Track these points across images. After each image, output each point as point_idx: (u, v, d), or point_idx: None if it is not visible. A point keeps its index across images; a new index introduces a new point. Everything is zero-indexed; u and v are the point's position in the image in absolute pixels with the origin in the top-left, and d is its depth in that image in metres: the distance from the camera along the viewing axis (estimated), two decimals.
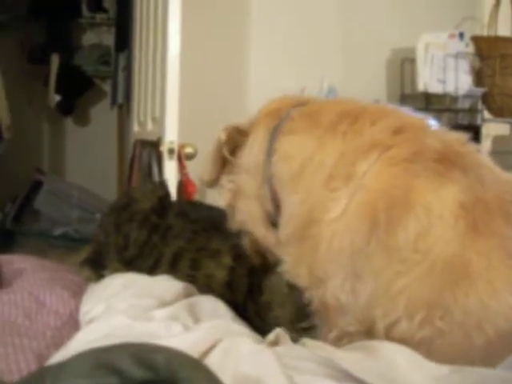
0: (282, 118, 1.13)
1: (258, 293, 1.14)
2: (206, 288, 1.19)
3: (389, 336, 0.93)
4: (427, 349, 0.90)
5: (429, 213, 0.92)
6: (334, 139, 1.04)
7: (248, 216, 1.16)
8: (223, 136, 1.20)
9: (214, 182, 1.24)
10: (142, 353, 0.61)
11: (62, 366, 0.61)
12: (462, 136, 1.03)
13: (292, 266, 1.05)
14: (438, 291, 0.90)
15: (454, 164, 0.96)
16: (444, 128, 1.08)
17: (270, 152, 1.10)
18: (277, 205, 1.09)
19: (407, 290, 0.91)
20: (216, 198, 1.30)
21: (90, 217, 3.91)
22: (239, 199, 1.18)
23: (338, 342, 0.98)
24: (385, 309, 0.92)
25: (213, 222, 1.28)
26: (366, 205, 0.95)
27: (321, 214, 0.99)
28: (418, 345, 0.90)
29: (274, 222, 1.11)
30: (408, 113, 1.17)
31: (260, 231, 1.15)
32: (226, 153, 1.19)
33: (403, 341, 0.91)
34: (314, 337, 1.03)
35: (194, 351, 0.81)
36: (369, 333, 0.95)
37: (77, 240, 3.77)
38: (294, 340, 1.01)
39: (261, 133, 1.15)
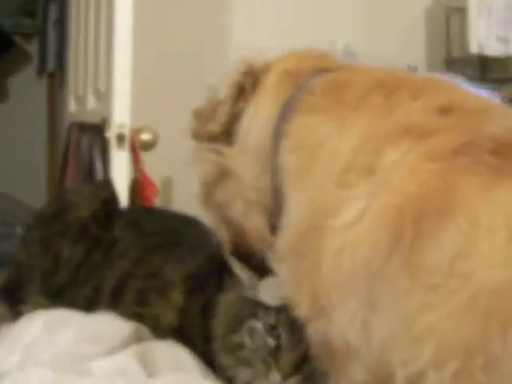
0: (299, 87, 1.13)
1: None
2: (155, 333, 1.20)
3: None
4: None
5: (474, 223, 0.92)
6: (358, 118, 1.05)
7: (236, 198, 1.17)
8: (238, 75, 1.18)
9: (201, 136, 1.22)
10: None
11: None
12: None
13: (291, 291, 1.06)
14: (481, 332, 0.90)
15: None
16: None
17: (278, 134, 1.11)
18: (279, 205, 1.10)
19: (437, 328, 0.91)
20: (186, 201, 1.29)
21: (7, 231, 3.91)
22: (226, 178, 1.18)
23: None
24: (406, 354, 0.93)
25: (174, 236, 1.29)
26: (390, 210, 0.95)
27: (328, 219, 0.99)
28: None
29: (272, 226, 1.12)
30: (468, 88, 1.16)
31: (253, 220, 1.15)
32: (227, 105, 1.18)
33: None
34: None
35: None
36: None
37: None
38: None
39: (268, 102, 1.16)
